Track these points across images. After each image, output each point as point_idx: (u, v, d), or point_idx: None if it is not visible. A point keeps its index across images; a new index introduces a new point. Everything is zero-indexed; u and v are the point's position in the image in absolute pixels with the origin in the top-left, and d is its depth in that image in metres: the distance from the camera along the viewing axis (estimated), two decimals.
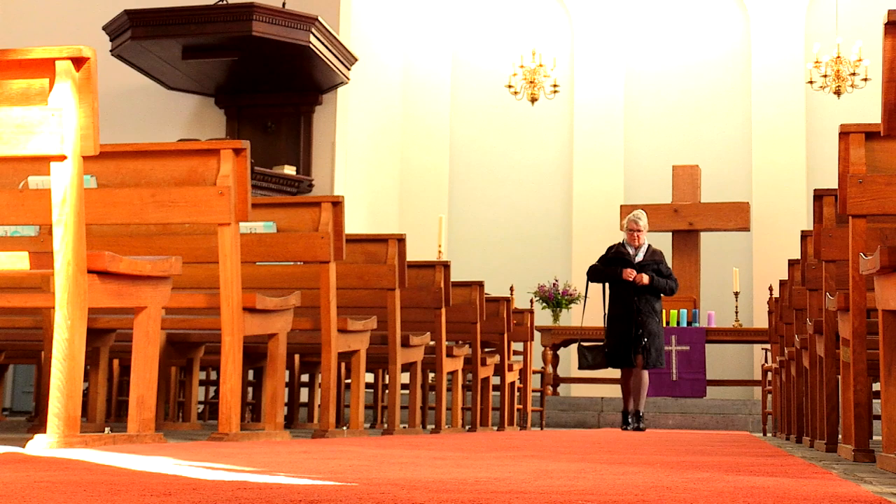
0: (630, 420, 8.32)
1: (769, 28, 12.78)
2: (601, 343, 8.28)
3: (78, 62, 2.57)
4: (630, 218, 8.46)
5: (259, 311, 3.72)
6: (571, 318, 12.12)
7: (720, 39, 13.12)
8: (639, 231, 8.39)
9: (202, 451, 2.47)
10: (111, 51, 8.00)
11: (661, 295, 8.32)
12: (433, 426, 6.13)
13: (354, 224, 9.21)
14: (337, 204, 4.32)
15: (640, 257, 8.31)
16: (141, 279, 2.90)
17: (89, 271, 2.63)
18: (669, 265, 8.47)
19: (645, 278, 8.12)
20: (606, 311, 8.27)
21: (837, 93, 11.22)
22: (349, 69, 8.62)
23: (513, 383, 8.31)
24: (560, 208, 13.03)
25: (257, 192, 7.73)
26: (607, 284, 8.34)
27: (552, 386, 11.00)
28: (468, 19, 13.26)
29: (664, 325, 10.95)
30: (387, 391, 7.01)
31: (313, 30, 7.70)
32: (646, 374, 8.35)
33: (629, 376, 8.28)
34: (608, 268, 8.28)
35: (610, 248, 8.49)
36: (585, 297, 8.58)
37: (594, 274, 8.31)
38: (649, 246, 8.45)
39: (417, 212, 12.71)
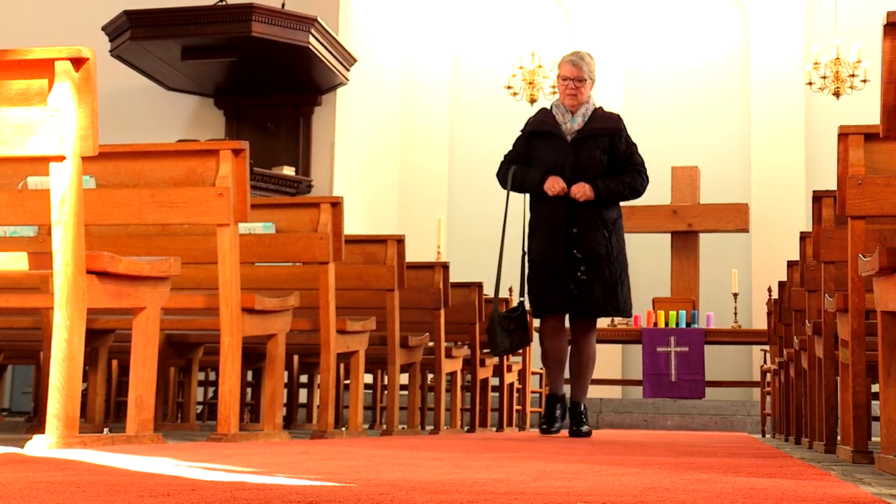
0: (556, 415, 5.39)
1: (768, 29, 12.78)
2: (517, 308, 5.35)
3: (77, 63, 2.57)
4: (562, 60, 5.34)
5: (258, 312, 3.72)
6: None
7: (719, 41, 13.12)
8: (577, 81, 5.24)
9: (201, 452, 2.47)
10: (110, 51, 8.00)
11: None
12: (432, 427, 6.13)
13: (353, 225, 9.21)
14: (336, 205, 4.33)
15: (576, 124, 5.25)
16: (140, 280, 2.90)
17: (88, 272, 2.63)
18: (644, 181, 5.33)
19: (586, 189, 5.08)
20: (525, 244, 5.33)
21: (836, 94, 11.23)
22: (348, 70, 8.62)
23: (512, 384, 8.31)
24: None
25: (256, 193, 7.73)
26: (526, 196, 5.40)
27: None
28: (468, 20, 13.26)
29: (664, 324, 10.98)
30: (385, 392, 7.00)
31: (312, 30, 7.70)
32: (591, 341, 5.36)
33: (554, 332, 5.30)
34: (524, 170, 5.26)
35: (529, 120, 5.44)
36: (502, 242, 5.49)
37: (502, 180, 5.37)
38: (598, 109, 5.37)
39: (416, 212, 12.71)
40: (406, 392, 6.13)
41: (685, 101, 13.04)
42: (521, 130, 5.44)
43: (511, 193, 5.29)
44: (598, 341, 12.48)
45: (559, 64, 5.40)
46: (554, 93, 11.82)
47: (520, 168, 5.32)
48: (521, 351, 9.20)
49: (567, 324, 5.43)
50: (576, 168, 5.25)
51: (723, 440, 5.39)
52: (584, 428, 5.30)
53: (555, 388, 5.46)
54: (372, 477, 1.73)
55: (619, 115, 5.50)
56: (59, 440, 2.47)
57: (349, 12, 9.48)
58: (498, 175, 5.39)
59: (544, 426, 5.38)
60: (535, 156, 5.33)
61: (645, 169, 5.41)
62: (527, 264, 5.33)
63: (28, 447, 2.43)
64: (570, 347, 5.44)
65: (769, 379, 8.67)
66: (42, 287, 3.91)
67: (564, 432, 5.45)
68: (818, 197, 3.99)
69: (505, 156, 5.45)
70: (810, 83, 11.43)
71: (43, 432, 2.50)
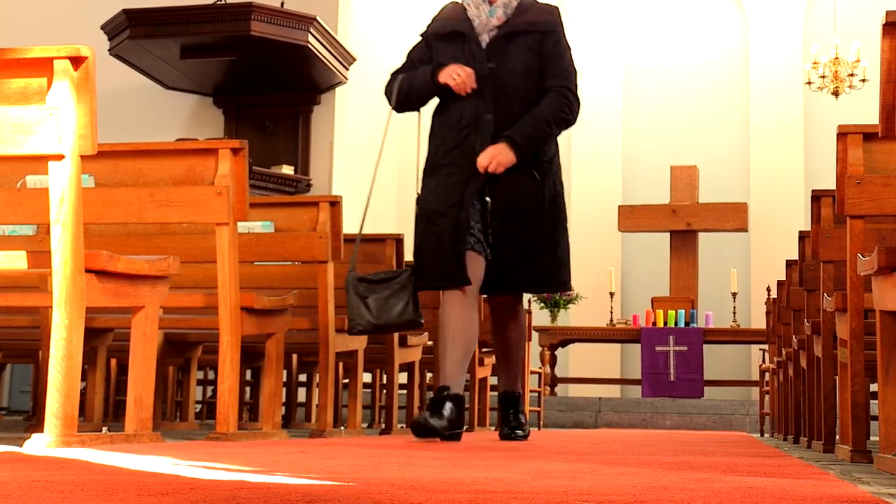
0: (444, 412, 3.67)
1: (767, 29, 12.79)
2: (399, 271, 3.99)
3: (76, 61, 2.57)
4: None
5: (257, 311, 3.72)
6: (570, 318, 12.13)
7: (718, 40, 13.12)
8: None
9: (200, 451, 2.47)
10: (109, 50, 8.00)
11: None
12: None
13: (352, 224, 9.19)
14: (335, 204, 4.33)
15: (494, 17, 3.97)
16: (139, 279, 2.90)
17: (87, 271, 2.63)
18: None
19: (501, 156, 3.79)
20: (419, 186, 4.01)
21: (835, 93, 11.23)
22: (348, 69, 8.62)
23: None
24: None
25: (255, 192, 7.73)
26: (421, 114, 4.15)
27: (550, 386, 11.01)
28: None
29: (663, 324, 10.99)
30: (385, 391, 7.01)
31: (312, 30, 7.70)
32: (519, 319, 4.11)
33: (458, 308, 3.82)
34: (413, 74, 4.01)
35: (435, 18, 4.19)
36: (374, 179, 4.24)
37: (388, 95, 4.10)
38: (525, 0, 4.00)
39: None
40: (405, 391, 6.13)
41: (684, 101, 13.04)
42: (421, 34, 4.17)
43: (406, 115, 4.17)
44: (597, 340, 12.55)
45: None
46: None
47: (409, 74, 4.01)
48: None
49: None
50: (496, 85, 3.88)
51: (721, 439, 5.39)
52: (520, 432, 4.03)
53: (448, 380, 3.74)
54: (371, 476, 1.73)
55: (556, 8, 4.08)
56: (58, 439, 2.47)
57: (348, 11, 9.48)
58: (385, 91, 4.11)
59: (424, 420, 3.62)
60: None
61: (576, 87, 4.04)
62: (418, 216, 3.93)
63: (27, 446, 2.43)
64: (492, 323, 4.14)
65: (768, 378, 8.67)
66: (41, 286, 3.91)
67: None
68: (817, 196, 3.99)
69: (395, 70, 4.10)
70: (809, 82, 11.44)
71: (42, 431, 2.50)
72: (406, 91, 4.01)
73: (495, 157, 3.80)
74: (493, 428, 7.81)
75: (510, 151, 3.81)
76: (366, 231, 4.28)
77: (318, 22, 7.74)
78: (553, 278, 3.94)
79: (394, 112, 4.15)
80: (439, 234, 3.81)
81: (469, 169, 3.83)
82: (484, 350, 7.46)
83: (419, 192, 3.99)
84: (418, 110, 4.12)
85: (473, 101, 3.88)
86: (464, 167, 3.85)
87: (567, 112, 3.95)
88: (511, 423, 4.10)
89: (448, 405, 3.69)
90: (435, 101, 4.06)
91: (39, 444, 2.44)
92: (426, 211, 3.89)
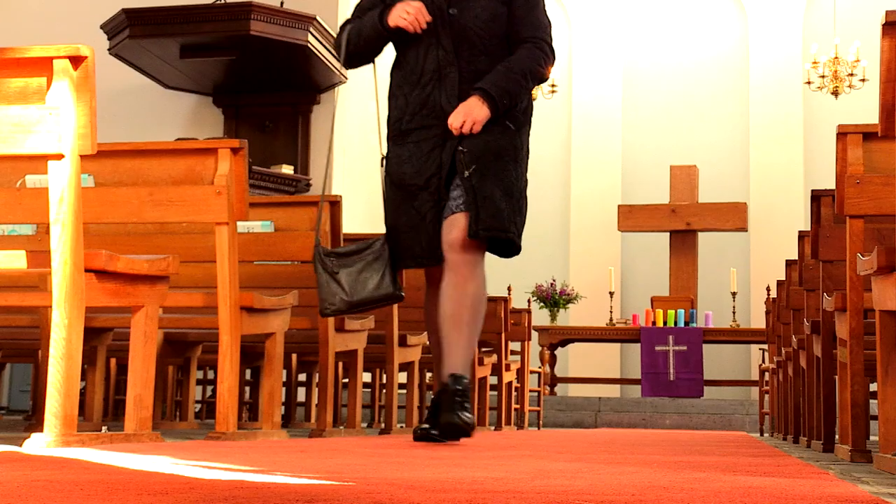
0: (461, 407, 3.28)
1: (767, 28, 12.79)
2: (370, 241, 3.59)
3: (76, 61, 2.57)
4: None
5: (256, 311, 3.72)
6: (569, 318, 12.13)
7: (718, 40, 13.13)
8: None
9: (199, 451, 2.47)
10: (109, 50, 8.00)
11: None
12: None
13: (352, 223, 9.20)
14: (335, 203, 4.32)
15: None
16: (138, 278, 2.90)
17: (87, 270, 2.63)
18: None
19: (474, 112, 3.43)
20: (384, 148, 3.71)
21: (835, 93, 11.23)
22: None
23: (510, 383, 8.30)
24: (558, 208, 13.02)
25: (255, 192, 7.73)
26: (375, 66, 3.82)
27: (550, 386, 11.01)
28: None
29: (662, 323, 10.99)
30: (384, 391, 7.01)
31: (311, 29, 7.70)
32: (477, 274, 3.48)
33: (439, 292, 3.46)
34: (362, 21, 3.64)
35: None
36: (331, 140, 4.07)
37: (337, 47, 3.74)
38: None
39: None
40: (405, 391, 6.13)
41: (684, 100, 13.04)
42: None
43: (362, 68, 3.80)
44: (596, 340, 12.55)
45: None
46: (552, 92, 11.84)
47: (357, 23, 3.66)
48: (518, 350, 9.18)
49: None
50: (458, 33, 3.52)
51: (721, 439, 5.39)
52: (465, 416, 3.26)
53: (460, 367, 3.41)
54: (370, 475, 1.73)
55: None
56: (58, 438, 2.47)
57: (348, 11, 9.48)
58: (335, 45, 3.83)
59: (421, 428, 3.45)
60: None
61: (551, 39, 3.65)
62: (390, 187, 3.60)
63: (26, 445, 2.43)
64: (442, 285, 3.49)
65: (767, 378, 8.68)
66: (40, 285, 3.91)
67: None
68: (817, 196, 3.99)
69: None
70: (809, 82, 11.44)
71: (41, 431, 2.50)
72: (355, 41, 3.63)
73: (468, 115, 3.44)
74: (491, 427, 7.81)
75: (483, 106, 3.45)
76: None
77: (317, 21, 7.74)
78: (510, 228, 3.46)
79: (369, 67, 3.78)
80: (420, 208, 3.50)
81: (440, 130, 3.48)
82: (484, 350, 7.46)
83: (383, 154, 3.67)
84: (372, 62, 3.76)
85: (434, 53, 3.51)
86: (434, 129, 3.50)
87: (542, 66, 3.59)
88: (454, 409, 3.27)
89: (458, 391, 3.32)
90: (392, 56, 3.68)
91: (39, 444, 2.44)
92: (405, 185, 3.55)
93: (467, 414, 3.28)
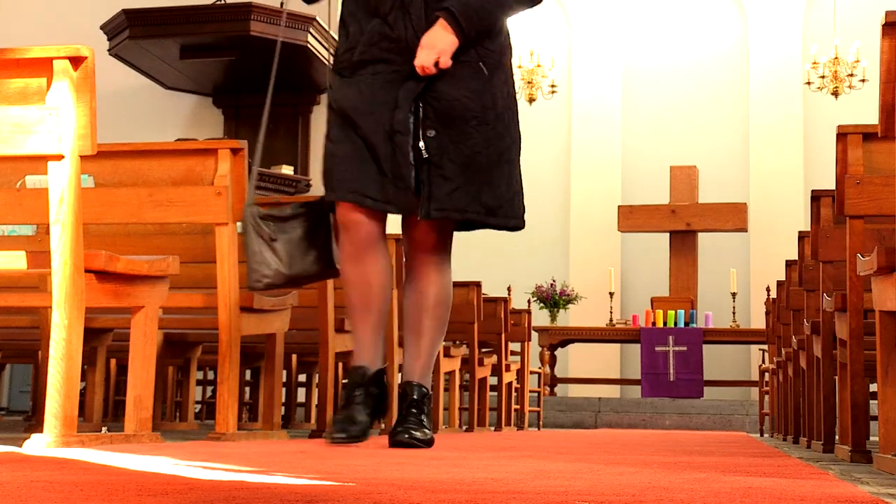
0: (357, 406, 2.97)
1: (767, 29, 12.79)
2: (310, 202, 3.17)
3: (76, 61, 2.57)
4: None
5: (256, 311, 3.72)
6: (569, 318, 12.13)
7: (718, 40, 13.13)
8: None
9: (199, 451, 2.47)
10: (109, 50, 8.00)
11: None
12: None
13: None
14: None
15: None
16: (138, 279, 2.90)
17: (87, 271, 2.63)
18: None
19: (436, 40, 2.87)
20: (331, 85, 3.08)
21: (835, 94, 11.23)
22: None
23: (510, 384, 8.31)
24: (558, 208, 13.03)
25: (255, 192, 7.71)
26: None
27: (549, 386, 11.01)
28: None
29: (662, 324, 10.99)
30: None
31: (311, 30, 7.70)
32: (443, 270, 3.05)
33: (362, 246, 2.98)
34: None
35: None
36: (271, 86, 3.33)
37: None
38: None
39: None
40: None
41: (684, 101, 13.05)
42: None
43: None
44: (596, 341, 12.57)
45: None
46: (552, 92, 11.84)
47: None
48: (518, 351, 9.20)
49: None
50: None
51: (721, 439, 5.39)
52: (417, 435, 2.91)
53: (361, 357, 3.00)
54: (370, 476, 1.73)
55: None
56: (58, 439, 2.47)
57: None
58: None
59: (336, 431, 2.93)
60: None
61: None
62: (331, 120, 3.01)
63: (26, 446, 2.43)
64: (405, 283, 3.09)
65: (767, 378, 8.68)
66: (40, 286, 3.91)
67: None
68: (816, 196, 3.99)
69: None
70: (809, 83, 11.44)
71: (41, 431, 2.50)
72: None
73: (434, 48, 2.86)
74: (491, 428, 7.81)
75: (448, 31, 2.87)
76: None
77: (317, 22, 7.74)
78: (508, 206, 2.95)
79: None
80: (366, 136, 2.89)
81: (401, 66, 2.90)
82: (484, 350, 7.46)
83: (329, 86, 3.05)
84: None
85: None
86: (394, 64, 2.92)
87: (498, 3, 3.03)
88: (410, 424, 2.94)
89: (358, 391, 2.95)
90: None
91: (39, 445, 2.44)
92: (344, 111, 2.94)
93: (424, 430, 2.94)
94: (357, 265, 2.98)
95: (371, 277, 2.99)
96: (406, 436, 2.92)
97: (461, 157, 2.89)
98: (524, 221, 3.01)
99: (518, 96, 3.43)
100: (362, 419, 2.97)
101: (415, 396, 3.00)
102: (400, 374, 3.11)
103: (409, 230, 3.03)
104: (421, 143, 2.87)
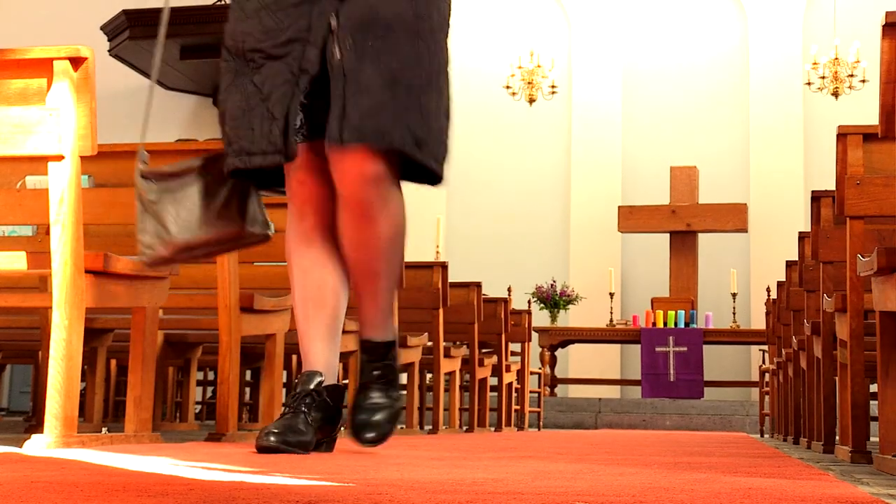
0: (301, 415, 2.39)
1: (767, 29, 12.79)
2: (212, 155, 2.58)
3: (76, 62, 2.57)
4: None
5: (256, 312, 3.72)
6: (569, 319, 12.13)
7: (718, 41, 13.13)
8: None
9: (199, 452, 2.47)
10: (109, 51, 8.01)
11: None
12: (430, 427, 6.13)
13: None
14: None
15: None
16: (139, 279, 2.90)
17: (87, 271, 2.63)
18: None
19: None
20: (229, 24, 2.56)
21: (835, 94, 11.23)
22: None
23: (510, 384, 8.31)
24: (558, 209, 13.03)
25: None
26: None
27: (550, 387, 11.01)
28: (466, 20, 13.26)
29: (663, 324, 10.99)
30: None
31: None
32: (387, 196, 2.42)
33: (307, 224, 2.56)
34: None
35: None
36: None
37: None
38: None
39: (415, 212, 12.65)
40: (404, 392, 6.13)
41: (684, 101, 13.05)
42: None
43: None
44: (597, 341, 12.56)
45: None
46: (552, 93, 11.84)
47: None
48: (519, 351, 9.20)
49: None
50: None
51: (721, 440, 5.39)
52: (386, 401, 2.53)
53: (315, 362, 2.51)
54: (370, 476, 1.73)
55: None
56: (58, 440, 2.47)
57: None
58: None
59: (270, 433, 2.36)
60: None
61: None
62: (226, 61, 2.55)
63: (26, 447, 2.43)
64: (339, 225, 2.49)
65: (768, 379, 8.68)
66: (41, 286, 3.91)
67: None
68: (817, 197, 3.99)
69: None
70: (809, 83, 11.44)
71: (41, 432, 2.50)
72: None
73: None
74: (492, 428, 7.81)
75: None
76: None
77: None
78: (435, 144, 2.44)
79: None
80: (264, 84, 2.41)
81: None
82: (484, 351, 7.46)
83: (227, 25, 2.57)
84: None
85: None
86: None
87: None
88: (370, 402, 2.50)
89: (306, 401, 2.43)
90: None
91: (39, 445, 2.44)
92: (241, 50, 2.47)
93: (390, 395, 2.50)
94: (306, 246, 2.52)
95: (325, 263, 2.51)
96: (365, 417, 2.48)
97: (388, 71, 2.33)
98: (443, 174, 2.52)
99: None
100: (307, 435, 2.41)
101: (380, 357, 2.54)
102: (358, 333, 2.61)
103: (321, 184, 2.47)
104: (336, 53, 2.33)
